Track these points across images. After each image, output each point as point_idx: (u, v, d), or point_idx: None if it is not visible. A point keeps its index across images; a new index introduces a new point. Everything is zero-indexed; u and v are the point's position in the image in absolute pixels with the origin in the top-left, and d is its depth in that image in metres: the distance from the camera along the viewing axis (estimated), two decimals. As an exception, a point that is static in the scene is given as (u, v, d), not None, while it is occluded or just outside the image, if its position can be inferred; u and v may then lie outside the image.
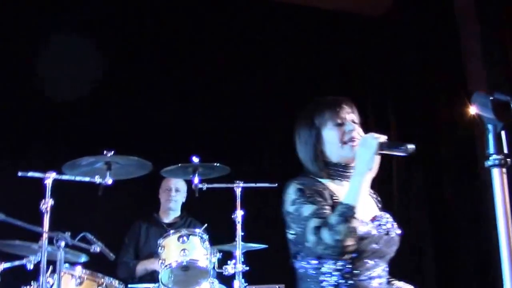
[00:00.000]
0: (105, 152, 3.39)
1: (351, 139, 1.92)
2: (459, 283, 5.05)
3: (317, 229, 1.74)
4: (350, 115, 1.97)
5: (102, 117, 4.81)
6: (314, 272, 1.85)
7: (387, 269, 1.91)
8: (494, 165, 1.41)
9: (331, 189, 1.91)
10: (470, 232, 5.11)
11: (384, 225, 1.90)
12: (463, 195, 5.19)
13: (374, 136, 1.83)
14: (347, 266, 1.80)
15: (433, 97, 5.44)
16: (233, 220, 3.74)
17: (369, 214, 1.90)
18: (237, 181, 3.84)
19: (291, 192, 1.87)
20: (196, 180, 3.75)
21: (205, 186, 3.78)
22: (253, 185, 3.89)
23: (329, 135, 1.94)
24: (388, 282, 1.94)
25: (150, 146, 4.35)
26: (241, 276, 3.67)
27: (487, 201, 5.17)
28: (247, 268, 3.69)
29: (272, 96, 5.31)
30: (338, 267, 1.80)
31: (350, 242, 1.71)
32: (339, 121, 1.94)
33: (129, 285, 3.91)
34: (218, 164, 3.80)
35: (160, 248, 3.62)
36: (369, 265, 1.82)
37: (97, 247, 3.10)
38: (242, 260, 3.70)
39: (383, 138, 1.83)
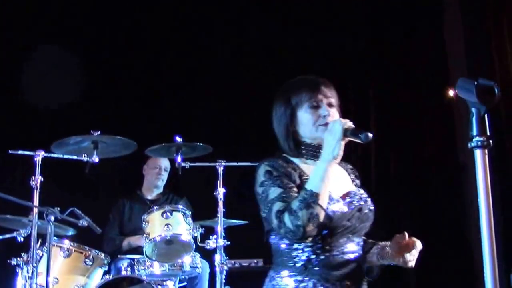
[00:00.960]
0: (92, 132, 3.56)
1: (325, 124, 1.88)
2: (437, 261, 5.18)
3: (280, 212, 1.75)
4: (327, 99, 1.93)
5: (89, 99, 4.92)
6: (286, 248, 1.85)
7: (362, 243, 1.91)
8: (477, 147, 1.44)
9: (302, 169, 1.89)
10: (448, 212, 5.25)
11: (357, 201, 1.89)
12: (441, 176, 5.33)
13: (340, 122, 1.80)
14: (318, 242, 1.80)
15: (414, 81, 5.50)
16: (215, 197, 3.86)
17: (341, 191, 1.89)
18: (219, 160, 3.95)
19: (260, 174, 1.86)
20: (179, 159, 3.89)
21: (188, 165, 3.91)
22: (234, 164, 4.02)
23: (304, 116, 1.91)
24: (367, 252, 1.95)
25: (134, 127, 4.47)
26: (222, 250, 3.80)
27: (465, 182, 5.40)
28: (228, 242, 3.83)
29: (253, 75, 5.35)
30: (309, 244, 1.80)
31: (310, 227, 1.71)
32: (315, 103, 1.91)
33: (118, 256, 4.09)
34: (200, 144, 3.95)
35: (144, 223, 3.79)
36: (341, 241, 1.83)
37: (84, 222, 3.29)
38: (223, 235, 3.83)
39: (348, 124, 1.79)
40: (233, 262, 4.56)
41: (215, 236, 3.82)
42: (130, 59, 5.14)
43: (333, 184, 1.83)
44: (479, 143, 1.42)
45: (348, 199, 1.88)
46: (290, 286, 1.80)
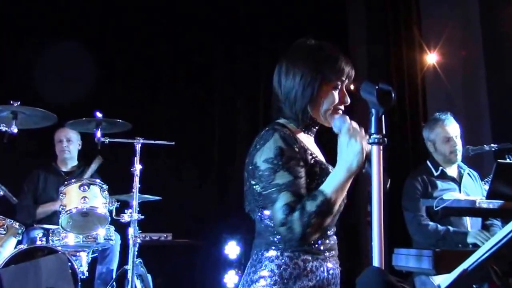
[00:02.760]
0: (11, 102, 3.54)
1: (336, 111, 1.81)
2: None
3: (290, 208, 1.61)
4: (349, 82, 1.84)
5: (9, 69, 4.79)
6: (273, 227, 1.74)
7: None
8: (374, 143, 1.54)
9: (304, 143, 1.79)
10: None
11: None
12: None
13: (360, 133, 1.65)
14: None
15: None
16: (132, 173, 3.94)
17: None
18: (137, 138, 4.02)
19: (270, 147, 1.68)
20: (98, 134, 3.94)
21: (107, 140, 3.97)
22: (152, 142, 4.12)
23: (327, 95, 1.79)
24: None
25: (56, 100, 4.43)
26: (136, 224, 3.89)
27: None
28: (142, 217, 3.93)
29: (174, 54, 5.49)
30: None
31: (315, 236, 1.64)
32: (339, 84, 1.80)
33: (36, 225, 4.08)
34: (120, 120, 4.04)
35: (61, 195, 3.82)
36: (331, 223, 1.80)
37: (0, 191, 3.30)
38: (138, 209, 3.92)
39: (368, 146, 1.62)
40: (143, 235, 4.71)
41: (130, 211, 3.89)
42: (57, 31, 5.03)
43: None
44: (376, 140, 1.54)
45: None
46: (282, 263, 1.72)
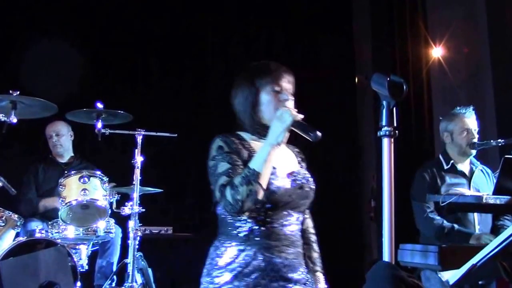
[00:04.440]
0: (10, 91, 3.49)
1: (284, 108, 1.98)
2: (333, 233, 5.58)
3: (223, 186, 1.85)
4: (288, 85, 2.04)
5: (8, 59, 4.74)
6: (231, 219, 1.95)
7: (301, 219, 2.04)
8: (385, 135, 1.54)
9: (253, 147, 2.01)
10: (347, 189, 5.68)
11: (300, 180, 2.01)
12: (342, 158, 5.74)
13: (290, 112, 1.90)
14: (260, 214, 1.91)
15: (320, 70, 5.78)
16: (133, 165, 3.91)
17: (286, 169, 2.01)
18: (139, 129, 3.99)
19: (213, 148, 1.98)
20: (99, 125, 3.91)
21: (107, 131, 3.94)
22: (153, 133, 4.08)
23: (266, 98, 2.01)
24: (305, 239, 2.11)
25: (57, 90, 4.39)
26: (136, 217, 3.86)
27: (362, 161, 5.87)
28: (143, 210, 3.90)
29: (176, 45, 5.46)
30: (253, 215, 1.91)
31: (248, 203, 1.82)
32: (277, 88, 2.01)
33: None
34: (121, 111, 3.99)
35: (61, 186, 3.78)
36: (282, 215, 1.95)
37: (-2, 182, 3.26)
38: (139, 202, 3.89)
39: (299, 117, 1.91)
40: (144, 229, 4.68)
41: (130, 203, 3.87)
42: (58, 21, 4.99)
43: (280, 162, 1.99)
44: (387, 132, 1.54)
45: (292, 177, 2.00)
46: (232, 255, 1.92)
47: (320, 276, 2.15)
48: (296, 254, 1.99)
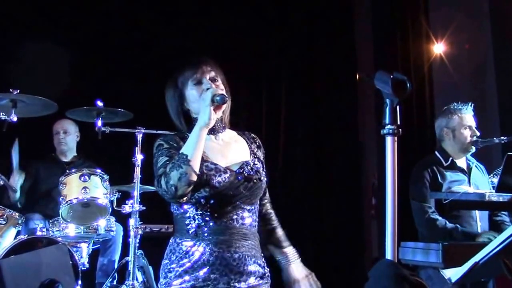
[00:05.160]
0: (11, 90, 3.48)
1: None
2: (333, 230, 5.57)
3: (159, 177, 1.87)
4: (209, 73, 2.05)
5: (9, 57, 4.73)
6: (180, 216, 1.98)
7: (256, 210, 2.04)
8: (388, 134, 1.53)
9: None
10: (347, 186, 5.66)
11: (247, 172, 2.00)
12: (343, 154, 5.72)
13: (212, 90, 1.93)
14: (207, 210, 1.93)
15: (321, 69, 5.75)
16: (133, 163, 3.90)
17: (231, 161, 2.01)
18: (139, 127, 3.97)
19: (154, 147, 2.01)
20: (99, 123, 3.91)
21: (108, 130, 3.93)
22: (153, 131, 4.03)
23: (190, 93, 2.03)
24: (267, 225, 2.13)
25: (57, 88, 4.37)
26: (137, 215, 3.84)
27: (363, 159, 5.86)
28: (144, 208, 3.88)
29: (175, 43, 5.44)
30: (199, 212, 1.94)
31: (181, 185, 1.81)
32: (197, 80, 2.03)
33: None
34: (121, 109, 3.99)
35: (61, 185, 3.78)
36: (230, 209, 1.95)
37: (0, 181, 3.25)
38: (139, 200, 3.87)
39: (218, 91, 1.94)
40: (144, 227, 4.66)
41: (131, 201, 3.85)
42: (57, 21, 4.99)
43: (224, 156, 2.00)
44: (390, 130, 1.53)
45: (237, 169, 1.99)
46: (184, 251, 1.95)
47: (290, 250, 2.15)
48: (249, 247, 1.98)
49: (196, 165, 1.86)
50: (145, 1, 5.42)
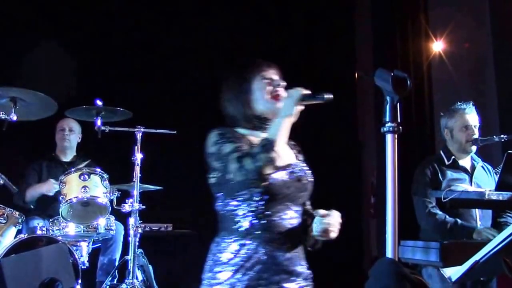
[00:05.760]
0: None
1: (277, 96, 2.05)
2: None
3: (240, 158, 1.86)
4: (276, 76, 2.10)
5: (9, 56, 4.73)
6: (231, 214, 1.96)
7: (300, 211, 2.04)
8: (389, 131, 1.54)
9: (250, 139, 2.03)
10: (347, 185, 5.67)
11: (297, 172, 2.02)
12: (342, 153, 5.73)
13: (298, 89, 1.98)
14: (260, 207, 1.92)
15: (320, 69, 5.76)
16: (133, 162, 3.92)
17: (284, 162, 2.00)
18: (138, 126, 3.99)
19: (212, 137, 2.00)
20: (99, 122, 3.92)
21: (107, 129, 3.94)
22: (153, 130, 4.08)
23: (258, 87, 2.05)
24: (304, 222, 2.08)
25: (56, 88, 4.37)
26: (137, 214, 3.87)
27: (362, 158, 5.87)
28: (144, 207, 3.90)
29: (175, 41, 5.44)
30: (252, 209, 1.92)
31: (268, 170, 1.84)
32: (268, 78, 2.07)
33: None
34: (120, 109, 3.99)
35: (61, 184, 3.78)
36: (280, 207, 1.95)
37: (0, 180, 3.25)
38: (139, 199, 3.89)
39: (306, 91, 1.98)
40: (144, 226, 4.67)
41: (131, 200, 3.87)
42: (57, 21, 4.98)
43: (279, 150, 1.95)
44: (391, 128, 1.54)
45: (289, 169, 2.02)
46: (234, 249, 1.92)
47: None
48: (296, 247, 1.99)
49: (280, 151, 1.89)
50: (145, 1, 5.41)
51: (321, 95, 1.99)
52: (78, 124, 4.44)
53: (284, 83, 2.09)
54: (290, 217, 1.99)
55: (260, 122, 2.08)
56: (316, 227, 1.99)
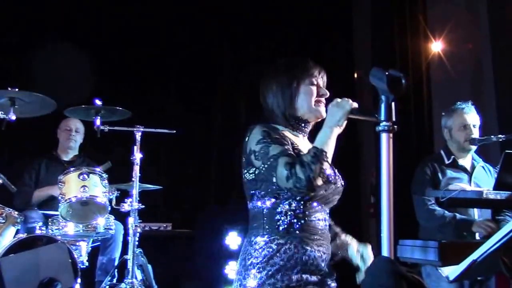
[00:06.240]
0: (9, 88, 3.47)
1: (320, 102, 2.05)
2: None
3: (290, 164, 1.80)
4: (323, 83, 2.10)
5: (8, 55, 4.74)
6: (269, 212, 1.92)
7: (328, 216, 2.04)
8: (384, 130, 1.54)
9: (291, 139, 2.00)
10: (346, 187, 5.66)
11: (333, 176, 1.98)
12: (341, 153, 5.73)
13: (348, 100, 1.93)
14: (300, 207, 1.90)
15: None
16: (132, 162, 3.92)
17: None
18: (138, 126, 3.99)
19: (257, 133, 1.94)
20: (98, 121, 3.91)
21: (106, 128, 3.94)
22: (152, 130, 4.08)
23: (306, 91, 2.03)
24: (329, 226, 2.08)
25: (54, 87, 4.38)
26: (136, 214, 3.87)
27: (361, 158, 5.87)
28: (143, 206, 3.90)
29: (174, 41, 5.44)
30: (292, 208, 1.90)
31: (319, 181, 1.81)
32: (315, 82, 2.05)
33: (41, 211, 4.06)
34: (119, 108, 3.98)
35: (60, 183, 3.77)
36: (317, 208, 1.94)
37: (-1, 179, 3.25)
38: (138, 199, 3.89)
39: (355, 104, 1.92)
40: (143, 225, 4.68)
41: (130, 200, 3.87)
42: (56, 20, 4.98)
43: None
44: (385, 127, 1.55)
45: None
46: (274, 249, 1.88)
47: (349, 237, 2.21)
48: (329, 249, 2.00)
49: (329, 162, 1.87)
50: (144, 0, 5.42)
51: (372, 114, 1.82)
52: (82, 125, 4.45)
53: (328, 94, 2.08)
54: (324, 218, 2.00)
55: (298, 123, 2.06)
56: (355, 259, 2.11)
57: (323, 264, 1.93)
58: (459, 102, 3.55)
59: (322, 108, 2.05)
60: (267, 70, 2.15)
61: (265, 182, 1.92)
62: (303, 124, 2.07)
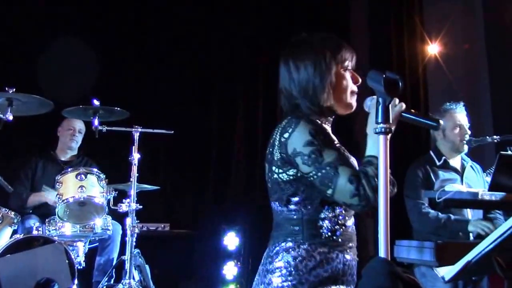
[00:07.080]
0: (6, 88, 3.47)
1: (354, 94, 1.83)
2: None
3: (356, 178, 1.61)
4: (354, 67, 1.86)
5: (6, 55, 4.74)
6: (310, 217, 1.74)
7: None
8: (381, 132, 1.53)
9: (330, 133, 1.81)
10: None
11: None
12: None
13: (401, 103, 1.67)
14: (342, 212, 1.76)
15: None
16: (130, 162, 3.92)
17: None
18: (136, 126, 4.00)
19: (303, 131, 1.69)
20: (96, 122, 3.91)
21: (104, 128, 3.94)
22: (150, 130, 4.09)
23: (345, 77, 1.81)
24: None
25: (53, 87, 4.38)
26: (134, 214, 3.86)
27: (358, 159, 5.87)
28: (141, 207, 3.90)
29: (173, 41, 5.44)
30: (336, 213, 1.75)
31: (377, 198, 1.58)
32: (351, 68, 1.83)
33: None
34: (117, 108, 3.99)
35: (58, 184, 3.78)
36: (352, 214, 1.81)
37: (-3, 180, 3.25)
38: (136, 199, 3.89)
39: (404, 106, 1.68)
40: (141, 226, 4.68)
41: (128, 200, 3.87)
42: (54, 20, 4.98)
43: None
44: (383, 129, 1.54)
45: None
46: (318, 259, 1.71)
47: None
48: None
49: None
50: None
51: (432, 120, 1.71)
52: (84, 126, 4.46)
53: (360, 81, 1.82)
54: (353, 223, 1.84)
55: (329, 114, 1.83)
56: None
57: (347, 268, 1.76)
58: (449, 103, 3.57)
59: (354, 101, 1.83)
60: (293, 45, 1.86)
61: (309, 187, 1.71)
62: (330, 115, 1.84)
